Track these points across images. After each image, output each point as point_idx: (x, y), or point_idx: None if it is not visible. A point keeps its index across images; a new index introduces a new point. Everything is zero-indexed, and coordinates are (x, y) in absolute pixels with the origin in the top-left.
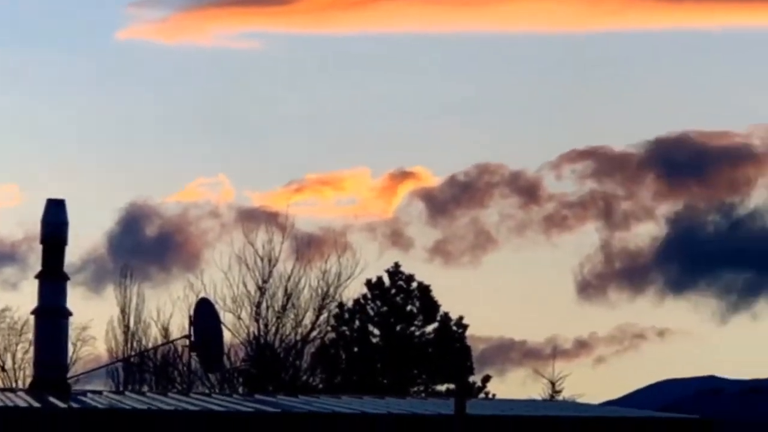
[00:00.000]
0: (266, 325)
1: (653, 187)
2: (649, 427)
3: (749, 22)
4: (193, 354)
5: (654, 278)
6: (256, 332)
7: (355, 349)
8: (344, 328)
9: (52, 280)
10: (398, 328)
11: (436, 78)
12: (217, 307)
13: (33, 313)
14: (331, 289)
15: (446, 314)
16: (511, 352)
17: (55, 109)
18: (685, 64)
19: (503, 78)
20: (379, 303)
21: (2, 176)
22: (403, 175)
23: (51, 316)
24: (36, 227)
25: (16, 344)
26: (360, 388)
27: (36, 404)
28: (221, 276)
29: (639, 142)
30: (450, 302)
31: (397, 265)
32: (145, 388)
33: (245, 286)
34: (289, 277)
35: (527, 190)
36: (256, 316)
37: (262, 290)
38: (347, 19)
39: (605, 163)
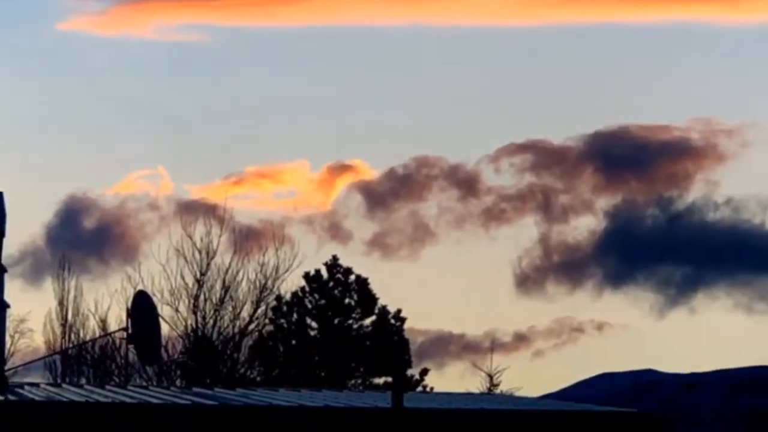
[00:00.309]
0: (204, 318)
1: (592, 181)
2: (587, 420)
3: (689, 15)
4: (131, 347)
5: (593, 272)
6: (194, 325)
7: (293, 342)
8: (282, 320)
9: None
10: (336, 321)
11: (376, 71)
12: (154, 299)
13: None
14: (269, 282)
15: (384, 307)
16: (449, 346)
17: None
18: (623, 57)
19: (442, 71)
20: (317, 296)
21: None
22: (342, 168)
23: None
24: None
25: None
26: (298, 381)
27: None
28: (159, 269)
29: (578, 136)
30: (388, 295)
31: (335, 258)
32: (83, 381)
33: (183, 278)
34: (227, 270)
35: (466, 183)
36: (194, 308)
37: (200, 283)
38: (289, 12)
39: (544, 156)
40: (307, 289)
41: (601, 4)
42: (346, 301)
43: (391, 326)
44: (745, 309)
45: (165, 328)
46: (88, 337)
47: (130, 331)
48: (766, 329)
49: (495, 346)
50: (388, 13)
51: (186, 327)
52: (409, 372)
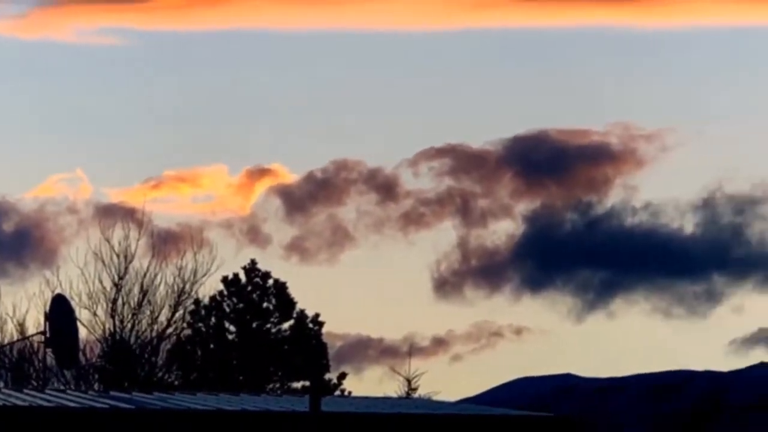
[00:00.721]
0: (122, 322)
1: (511, 185)
2: (504, 424)
3: (605, 20)
4: (49, 350)
5: (511, 276)
6: (112, 329)
7: (211, 346)
8: (200, 324)
9: None
10: (254, 325)
11: (294, 75)
12: (72, 303)
13: None
14: (187, 286)
15: (302, 311)
16: (368, 350)
17: None
18: (543, 61)
19: (361, 74)
20: (235, 300)
21: None
22: (261, 172)
23: None
24: None
25: None
26: (216, 385)
27: None
28: (77, 272)
29: (497, 140)
30: (306, 299)
31: (253, 262)
32: (1, 384)
33: (101, 282)
34: (145, 274)
35: (385, 187)
36: (112, 312)
37: (118, 287)
38: (207, 16)
39: (463, 160)
40: (225, 293)
41: (520, 9)
42: (265, 305)
43: (309, 330)
44: (663, 313)
45: (83, 332)
46: (5, 341)
47: (48, 334)
48: (684, 334)
49: (413, 350)
50: (304, 17)
51: (104, 331)
52: (327, 376)
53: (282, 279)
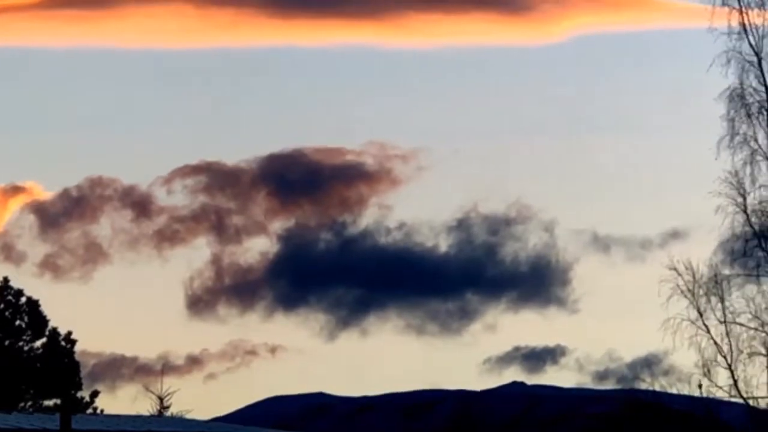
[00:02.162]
0: None
1: (265, 204)
2: None
3: (362, 39)
4: None
5: (265, 294)
6: None
7: None
8: None
9: None
10: (6, 342)
11: (50, 93)
12: None
13: None
14: None
15: (55, 329)
16: (121, 368)
17: None
18: (298, 80)
19: (117, 93)
20: None
21: None
22: (15, 190)
23: None
24: None
25: None
26: None
27: None
28: None
29: (252, 158)
30: (59, 317)
31: (6, 280)
32: None
33: None
34: None
35: (139, 205)
36: None
37: None
38: None
39: (218, 178)
40: None
41: (275, 27)
42: (17, 323)
43: (61, 348)
44: (417, 332)
45: None
46: None
47: None
48: (437, 352)
49: (167, 368)
50: (59, 34)
51: None
52: (80, 394)
53: (35, 297)
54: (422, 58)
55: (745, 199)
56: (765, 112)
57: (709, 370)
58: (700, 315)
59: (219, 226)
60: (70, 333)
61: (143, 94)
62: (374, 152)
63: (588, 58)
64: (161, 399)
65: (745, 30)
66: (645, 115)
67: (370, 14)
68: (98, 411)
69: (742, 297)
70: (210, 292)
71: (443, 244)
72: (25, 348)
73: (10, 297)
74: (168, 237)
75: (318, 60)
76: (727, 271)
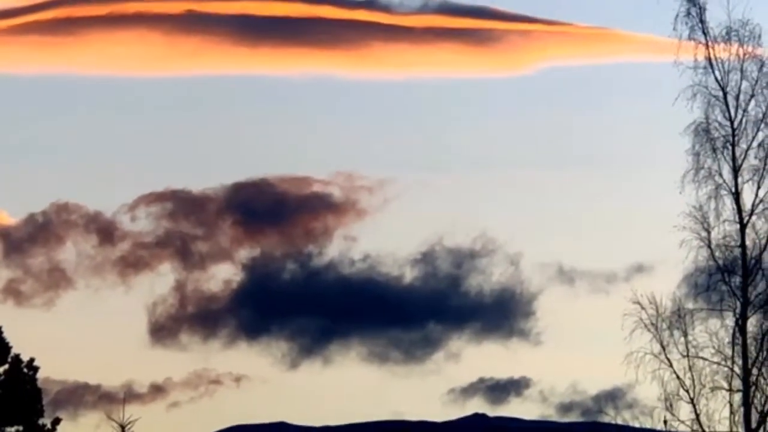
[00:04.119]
0: None
1: (230, 232)
2: None
3: (329, 69)
4: None
5: (229, 323)
6: None
7: None
8: None
9: None
10: None
11: (15, 118)
12: None
13: None
14: None
15: (17, 356)
16: (84, 396)
17: None
18: (266, 108)
19: (83, 119)
20: None
21: None
22: None
23: None
24: None
25: None
26: None
27: None
28: None
29: (217, 186)
30: (22, 344)
31: None
32: None
33: None
34: None
35: (104, 231)
36: None
37: None
38: None
39: (183, 205)
40: None
41: (241, 56)
42: None
43: (23, 375)
44: (380, 362)
45: None
46: None
47: None
48: (401, 383)
49: (130, 396)
50: (30, 60)
51: None
52: (42, 421)
53: None
54: (388, 89)
55: (709, 233)
56: (730, 147)
57: (671, 404)
58: (663, 349)
59: (183, 255)
60: (32, 360)
61: (109, 121)
62: (341, 182)
63: (554, 90)
64: (123, 427)
65: (711, 64)
66: (610, 148)
67: (335, 44)
68: None
69: (705, 331)
70: (174, 320)
71: (408, 276)
72: None
73: None
74: (131, 264)
75: (284, 88)
76: (690, 305)
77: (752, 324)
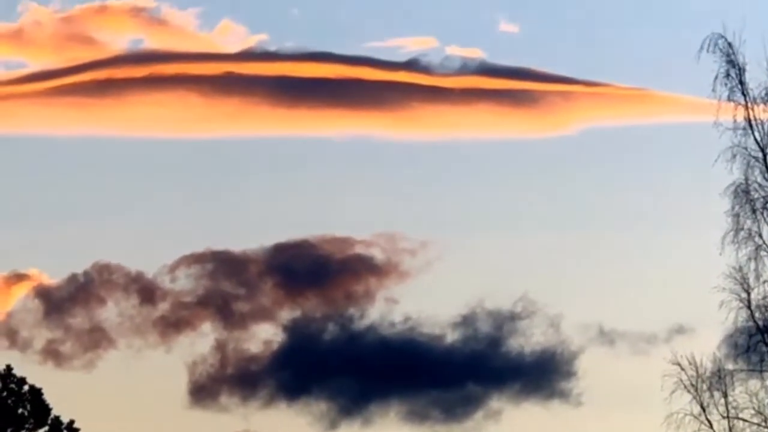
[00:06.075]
0: None
1: (271, 293)
2: None
3: (369, 129)
4: None
5: (268, 383)
6: None
7: None
8: None
9: None
10: (8, 431)
11: (56, 178)
12: None
13: None
14: None
15: (57, 418)
16: None
17: None
18: (305, 169)
19: (123, 180)
20: None
21: None
22: (18, 278)
23: None
24: None
25: None
26: None
27: None
28: None
29: (259, 248)
30: (62, 405)
31: (9, 368)
32: None
33: None
34: None
35: (146, 292)
36: None
37: None
38: None
39: (224, 266)
40: None
41: (280, 117)
42: (20, 411)
43: None
44: (420, 426)
45: None
46: None
47: None
48: None
49: None
50: (61, 122)
51: None
52: None
53: (38, 384)
54: (429, 149)
55: (749, 294)
56: None
57: None
58: (703, 410)
59: (224, 316)
60: (72, 422)
61: (149, 182)
62: (382, 244)
63: (594, 151)
64: None
65: (750, 125)
66: (650, 209)
67: (375, 105)
68: None
69: (746, 392)
70: (213, 380)
71: (448, 339)
72: None
73: (12, 385)
74: (173, 325)
75: (324, 149)
76: (730, 366)
77: None
